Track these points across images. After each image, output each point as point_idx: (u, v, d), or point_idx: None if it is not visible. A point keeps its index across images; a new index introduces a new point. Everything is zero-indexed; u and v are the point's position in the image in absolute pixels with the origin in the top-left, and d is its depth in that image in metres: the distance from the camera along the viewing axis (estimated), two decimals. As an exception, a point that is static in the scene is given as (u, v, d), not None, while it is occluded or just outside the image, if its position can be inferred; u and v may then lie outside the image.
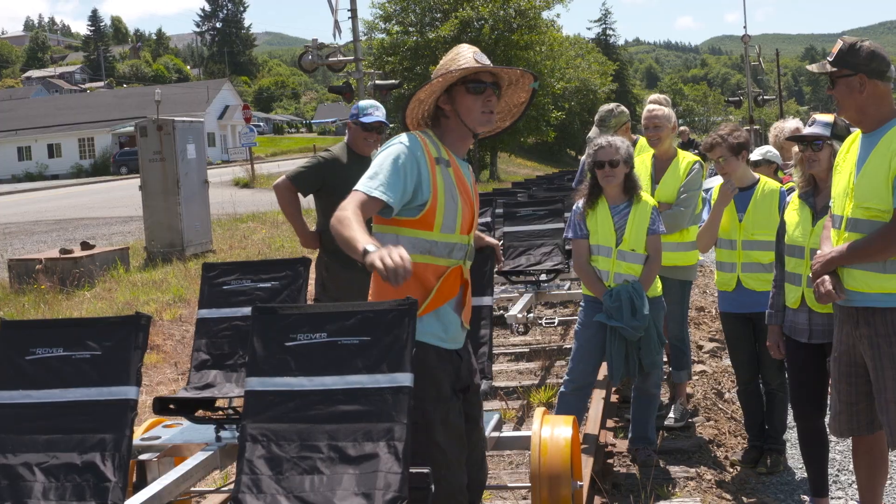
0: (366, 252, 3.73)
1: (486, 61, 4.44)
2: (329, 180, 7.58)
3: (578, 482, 5.33)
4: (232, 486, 4.06)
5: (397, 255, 3.66)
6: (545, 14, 56.44)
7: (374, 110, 7.66)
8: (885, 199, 4.94)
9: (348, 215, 3.99)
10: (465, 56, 4.42)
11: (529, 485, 5.33)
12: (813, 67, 5.22)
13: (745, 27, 51.63)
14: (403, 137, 4.36)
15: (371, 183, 4.20)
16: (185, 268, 16.38)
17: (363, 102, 7.77)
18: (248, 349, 4.11)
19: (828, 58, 5.14)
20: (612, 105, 9.16)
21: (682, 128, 26.14)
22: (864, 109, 5.06)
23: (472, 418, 4.59)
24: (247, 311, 5.74)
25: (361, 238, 3.83)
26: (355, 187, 4.22)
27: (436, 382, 4.24)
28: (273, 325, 4.03)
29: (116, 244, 19.21)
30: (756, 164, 7.83)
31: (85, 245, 16.40)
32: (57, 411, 4.19)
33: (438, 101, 4.46)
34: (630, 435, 7.32)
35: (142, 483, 5.20)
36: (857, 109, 5.07)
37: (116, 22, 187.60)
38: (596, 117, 9.12)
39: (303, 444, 3.82)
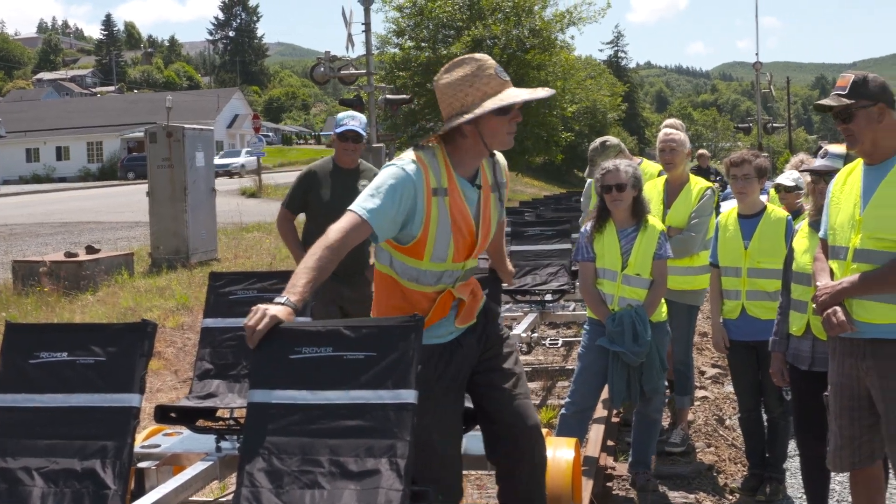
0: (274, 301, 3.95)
1: (506, 76, 4.39)
2: (310, 194, 7.92)
3: (578, 505, 5.33)
4: (230, 497, 4.03)
5: (256, 331, 3.89)
6: (558, 35, 56.54)
7: (350, 120, 7.88)
8: None
9: (318, 253, 4.09)
10: (491, 74, 4.34)
11: (529, 506, 5.30)
12: (828, 101, 5.12)
13: (756, 54, 51.73)
14: (407, 163, 4.31)
15: (367, 204, 4.19)
16: (189, 275, 16.37)
17: (340, 114, 8.04)
18: (252, 360, 4.09)
19: (837, 92, 5.09)
20: (597, 143, 9.08)
21: (701, 151, 25.76)
22: (878, 141, 5.03)
23: (502, 373, 4.69)
24: (253, 321, 5.73)
25: (288, 287, 4.03)
26: (351, 206, 4.21)
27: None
28: (278, 336, 4.01)
29: (121, 249, 19.18)
30: (788, 190, 7.87)
31: (90, 249, 16.40)
32: (59, 416, 4.18)
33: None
34: (630, 459, 7.30)
35: (140, 491, 5.17)
36: (873, 141, 5.02)
37: (130, 27, 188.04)
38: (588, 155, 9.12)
39: (304, 458, 3.80)
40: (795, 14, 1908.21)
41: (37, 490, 4.01)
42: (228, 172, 58.36)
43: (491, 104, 4.27)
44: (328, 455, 3.78)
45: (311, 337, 3.99)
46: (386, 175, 4.26)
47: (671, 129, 8.19)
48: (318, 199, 7.93)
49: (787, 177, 8.05)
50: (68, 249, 16.91)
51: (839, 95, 5.07)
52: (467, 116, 4.27)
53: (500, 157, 4.69)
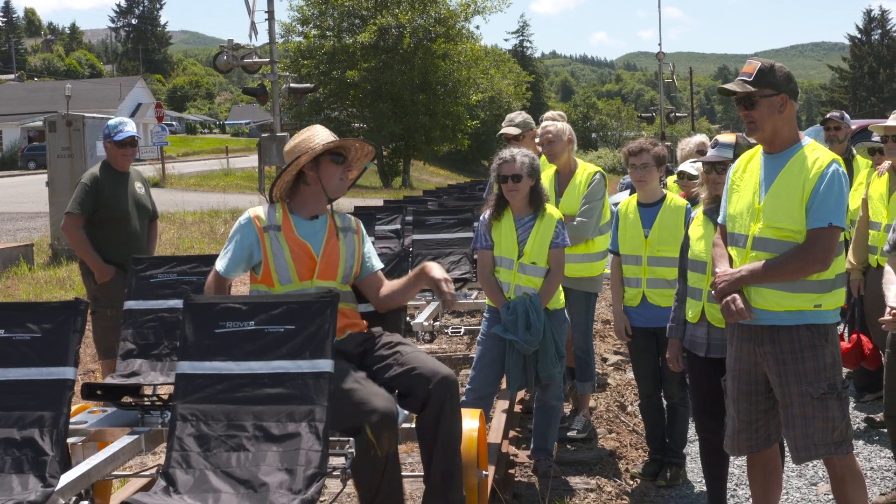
0: None
1: (336, 137, 5.52)
2: (100, 199, 8.23)
3: (484, 472, 5.51)
4: (150, 472, 4.34)
5: None
6: (464, 24, 56.80)
7: (124, 126, 8.39)
8: (799, 220, 5.01)
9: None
10: (324, 133, 5.49)
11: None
12: (732, 86, 5.14)
13: (660, 45, 52.13)
14: (244, 215, 5.46)
15: (220, 263, 5.41)
16: (89, 266, 16.16)
17: (112, 121, 8.49)
18: (179, 335, 4.42)
19: (743, 78, 5.13)
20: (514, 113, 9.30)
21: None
22: (778, 130, 5.10)
23: (389, 347, 5.35)
24: (172, 303, 6.09)
25: None
26: (215, 265, 5.41)
27: None
28: (204, 313, 4.38)
29: (21, 240, 19.03)
30: (691, 178, 7.77)
31: (-12, 240, 16.27)
32: None
33: (305, 168, 5.39)
34: (532, 446, 7.34)
35: (67, 466, 5.39)
36: (773, 130, 5.10)
37: (30, 14, 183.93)
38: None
39: (230, 424, 4.15)
40: (698, 5, 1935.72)
41: (-24, 458, 4.23)
42: None
43: (326, 143, 5.36)
44: (252, 420, 4.15)
45: (235, 312, 4.40)
46: (234, 228, 5.45)
47: (548, 122, 8.29)
48: (109, 203, 8.26)
49: (691, 165, 8.06)
50: (-34, 241, 16.72)
51: (744, 81, 5.11)
52: (309, 154, 5.32)
53: (354, 219, 5.75)
